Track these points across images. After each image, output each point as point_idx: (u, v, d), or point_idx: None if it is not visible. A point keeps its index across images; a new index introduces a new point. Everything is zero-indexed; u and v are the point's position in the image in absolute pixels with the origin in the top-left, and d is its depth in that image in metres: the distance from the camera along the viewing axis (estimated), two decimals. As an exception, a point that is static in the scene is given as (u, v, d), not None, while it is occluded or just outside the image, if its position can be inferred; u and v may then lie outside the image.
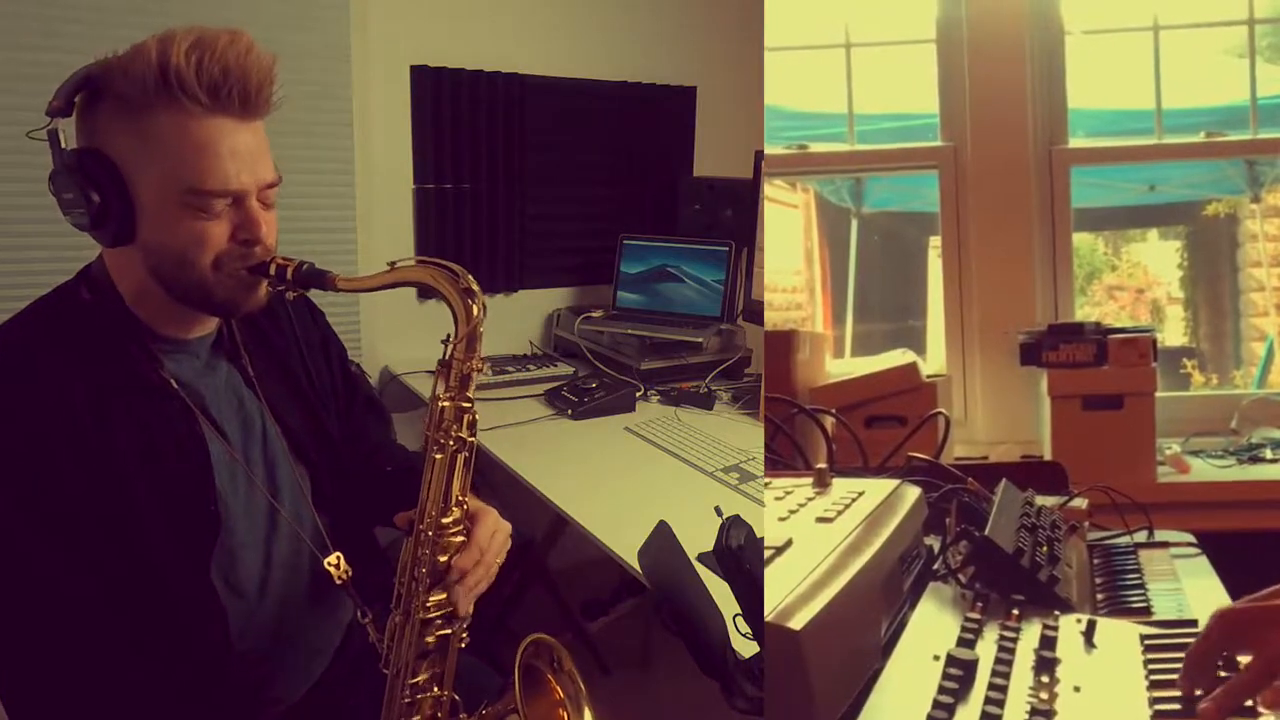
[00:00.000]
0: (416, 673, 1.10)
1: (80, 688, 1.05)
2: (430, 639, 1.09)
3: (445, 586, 1.08)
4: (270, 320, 1.25)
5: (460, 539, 1.09)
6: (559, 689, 1.14)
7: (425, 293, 1.08)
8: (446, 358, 1.06)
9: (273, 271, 1.04)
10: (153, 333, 1.09)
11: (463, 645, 1.12)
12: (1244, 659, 0.77)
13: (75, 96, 0.99)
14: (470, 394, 1.07)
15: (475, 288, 1.05)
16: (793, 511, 0.97)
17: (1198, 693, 0.77)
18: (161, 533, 1.07)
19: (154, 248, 1.02)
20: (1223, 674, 0.78)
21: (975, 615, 0.92)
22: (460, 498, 1.09)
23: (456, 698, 1.13)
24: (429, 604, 1.08)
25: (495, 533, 1.14)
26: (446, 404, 1.06)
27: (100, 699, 1.06)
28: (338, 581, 1.19)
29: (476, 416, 1.08)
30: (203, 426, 1.12)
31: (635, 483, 1.86)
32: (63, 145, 1.01)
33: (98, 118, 1.00)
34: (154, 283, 1.05)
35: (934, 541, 1.09)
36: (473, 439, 1.08)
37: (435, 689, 1.11)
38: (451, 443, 1.06)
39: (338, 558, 1.20)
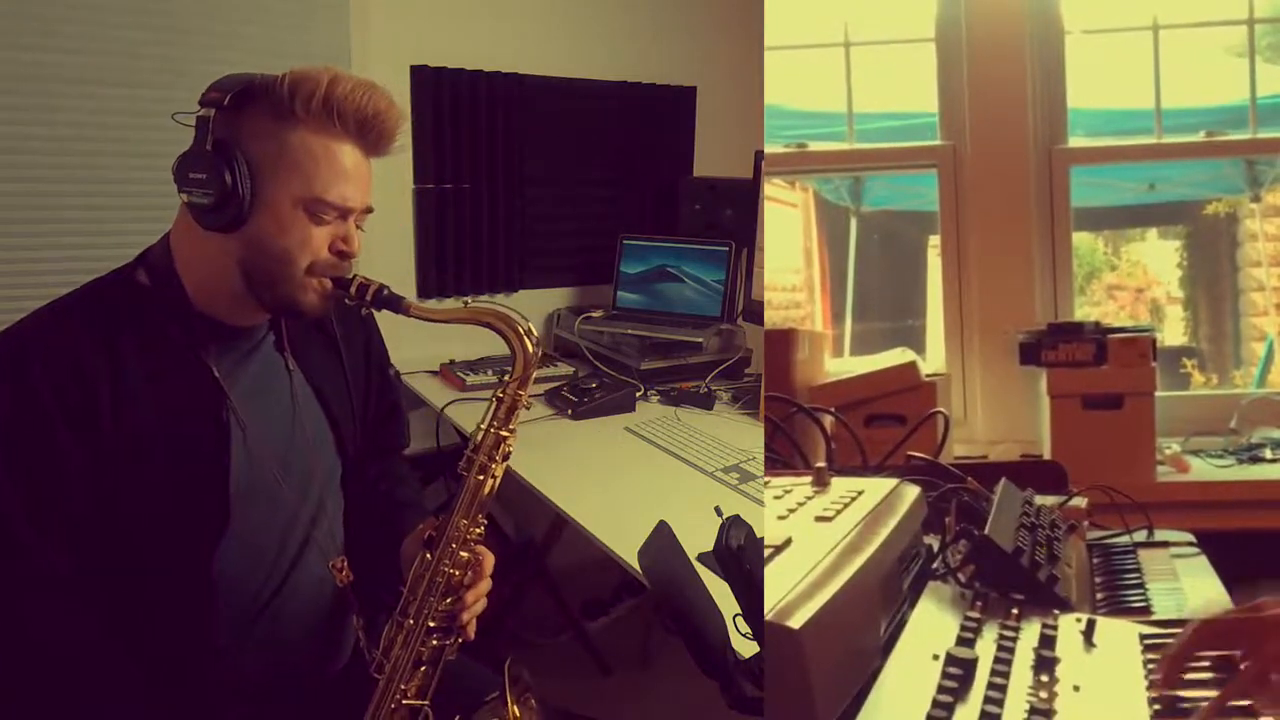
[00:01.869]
0: (408, 679, 1.15)
1: (47, 661, 1.07)
2: (426, 648, 1.15)
3: (455, 599, 1.16)
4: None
5: (470, 556, 1.17)
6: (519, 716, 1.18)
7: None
8: (500, 392, 1.17)
9: (354, 290, 1.13)
10: (206, 319, 1.15)
11: (451, 658, 1.18)
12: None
13: (230, 95, 1.08)
14: (513, 425, 1.17)
15: (535, 333, 1.17)
16: (792, 510, 0.97)
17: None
18: (167, 520, 1.11)
19: (259, 242, 1.11)
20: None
21: (974, 614, 0.92)
22: (481, 518, 1.17)
23: (430, 713, 1.17)
24: (439, 610, 1.14)
25: (489, 555, 1.23)
26: (492, 432, 1.16)
27: (70, 678, 1.08)
28: (339, 584, 1.23)
29: (511, 447, 1.17)
30: (233, 417, 1.16)
31: (635, 483, 1.86)
32: (210, 133, 1.09)
33: (243, 119, 1.09)
34: (237, 274, 1.12)
35: (933, 540, 1.09)
36: (505, 465, 1.17)
37: (418, 699, 1.16)
38: (492, 465, 1.15)
39: (343, 561, 1.25)
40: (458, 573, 1.15)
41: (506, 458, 1.17)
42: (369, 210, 1.17)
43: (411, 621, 1.14)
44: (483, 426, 1.16)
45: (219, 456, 1.15)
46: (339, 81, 1.09)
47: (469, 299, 1.17)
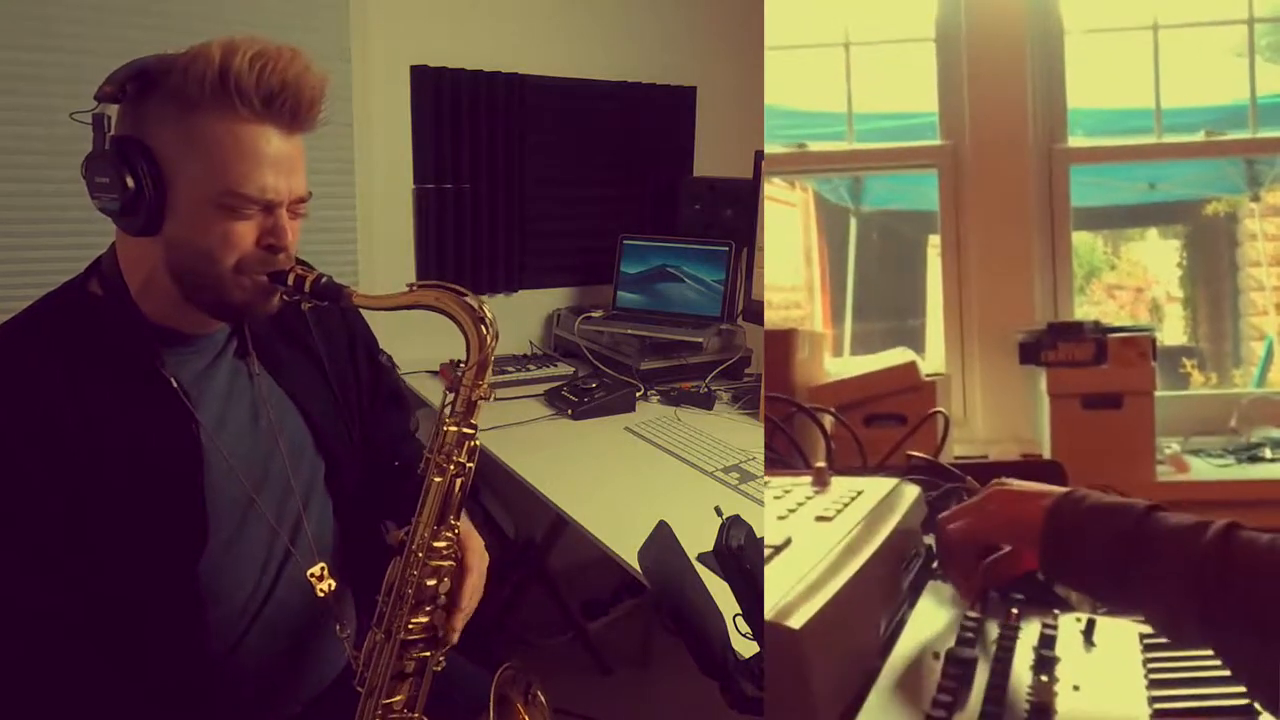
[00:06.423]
0: (391, 694, 1.08)
1: (40, 695, 1.03)
2: (409, 661, 1.09)
3: (433, 610, 1.09)
4: (285, 316, 1.22)
5: (448, 563, 1.10)
6: None
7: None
8: (455, 383, 1.07)
9: (290, 281, 1.04)
10: (158, 328, 1.09)
11: (438, 669, 1.12)
12: None
13: (128, 85, 0.99)
14: (475, 420, 1.08)
15: (489, 315, 1.06)
16: (792, 510, 0.97)
17: None
18: (142, 539, 1.06)
19: (179, 243, 1.03)
20: None
21: (974, 614, 0.92)
22: (454, 522, 1.10)
23: None
24: (411, 625, 1.08)
25: (483, 558, 1.17)
26: (451, 429, 1.07)
27: (64, 703, 1.04)
28: (319, 594, 1.17)
29: (478, 443, 1.09)
30: (200, 430, 1.10)
31: (635, 483, 1.86)
32: (108, 131, 1.01)
33: (146, 110, 1.00)
34: (168, 278, 1.05)
35: (933, 540, 1.09)
36: (472, 465, 1.09)
37: (407, 711, 1.10)
38: (452, 467, 1.07)
39: (321, 569, 1.18)
40: (432, 582, 1.08)
41: (473, 455, 1.08)
42: (303, 199, 1.07)
43: (382, 635, 1.08)
44: (441, 424, 1.07)
45: (191, 472, 1.09)
46: (234, 53, 0.96)
47: (413, 284, 1.08)
